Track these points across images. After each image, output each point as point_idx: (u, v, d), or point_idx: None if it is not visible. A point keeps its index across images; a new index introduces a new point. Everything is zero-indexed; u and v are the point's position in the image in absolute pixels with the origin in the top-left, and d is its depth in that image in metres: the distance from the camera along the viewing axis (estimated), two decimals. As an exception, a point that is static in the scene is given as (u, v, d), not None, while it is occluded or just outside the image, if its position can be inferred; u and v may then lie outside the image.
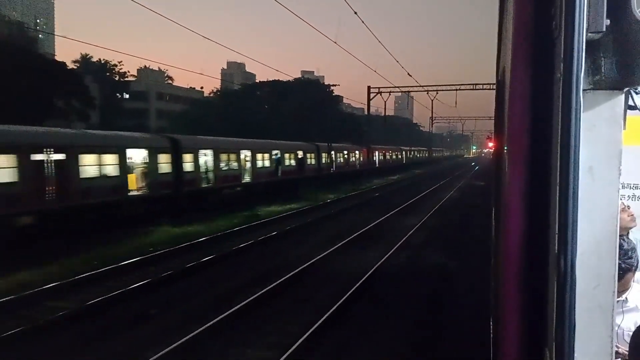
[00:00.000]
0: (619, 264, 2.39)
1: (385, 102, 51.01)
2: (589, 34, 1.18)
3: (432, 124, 72.53)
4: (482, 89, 50.94)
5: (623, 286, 2.53)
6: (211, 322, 8.87)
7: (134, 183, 22.39)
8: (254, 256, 15.05)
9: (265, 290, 10.89)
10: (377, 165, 60.23)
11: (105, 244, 15.83)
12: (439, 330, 8.93)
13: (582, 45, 1.13)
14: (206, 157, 26.49)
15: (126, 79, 75.96)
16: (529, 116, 1.37)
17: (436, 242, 17.06)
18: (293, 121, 58.37)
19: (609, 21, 1.20)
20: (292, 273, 12.30)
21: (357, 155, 55.05)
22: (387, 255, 14.35)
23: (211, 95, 72.02)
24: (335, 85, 61.91)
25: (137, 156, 23.01)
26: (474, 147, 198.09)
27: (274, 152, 34.18)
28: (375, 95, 48.99)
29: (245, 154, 30.20)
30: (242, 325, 9.14)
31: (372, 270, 12.54)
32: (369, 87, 48.70)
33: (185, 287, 11.80)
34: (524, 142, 1.38)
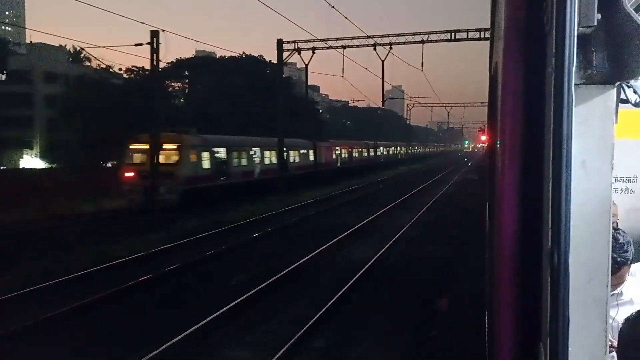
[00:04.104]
0: (615, 257, 2.42)
1: (306, 64, 33.22)
2: (581, 29, 1.18)
3: (385, 99, 38.47)
4: (466, 40, 30.44)
5: (618, 279, 2.55)
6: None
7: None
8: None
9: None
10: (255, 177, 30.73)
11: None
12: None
13: (574, 39, 1.14)
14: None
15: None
16: (521, 111, 1.37)
17: None
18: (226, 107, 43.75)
19: (600, 15, 1.20)
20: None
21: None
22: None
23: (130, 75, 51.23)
24: (287, 65, 45.03)
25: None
26: (467, 142, 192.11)
27: None
28: (291, 54, 31.97)
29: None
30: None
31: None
32: (279, 41, 30.78)
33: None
34: (516, 136, 1.38)
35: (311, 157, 38.97)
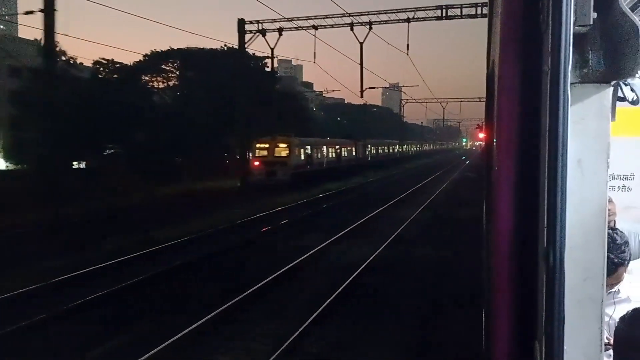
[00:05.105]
0: (612, 258, 2.42)
1: (272, 48, 28.95)
2: (576, 28, 1.18)
3: (364, 89, 33.69)
4: (460, 17, 25.78)
5: (615, 280, 2.54)
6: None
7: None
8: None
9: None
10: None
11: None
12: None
13: (570, 38, 1.13)
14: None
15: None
16: (517, 109, 1.37)
17: None
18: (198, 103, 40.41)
19: (596, 14, 1.20)
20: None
21: None
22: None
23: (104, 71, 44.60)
24: (269, 58, 39.60)
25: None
26: (465, 140, 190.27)
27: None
28: (255, 36, 27.88)
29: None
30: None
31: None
32: (240, 21, 27.58)
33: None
34: (512, 135, 1.38)
35: (353, 153, 49.79)
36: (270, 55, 31.52)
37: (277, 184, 31.63)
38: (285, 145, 34.43)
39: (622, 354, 2.00)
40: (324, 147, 42.61)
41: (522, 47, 1.35)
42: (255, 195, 27.02)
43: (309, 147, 38.66)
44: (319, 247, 14.36)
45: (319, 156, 40.92)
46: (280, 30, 28.37)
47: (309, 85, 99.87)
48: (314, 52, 28.72)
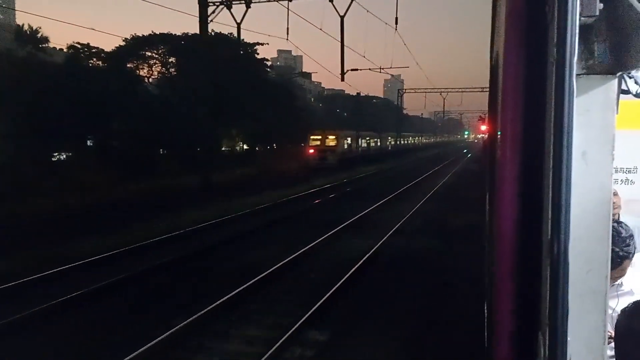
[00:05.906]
0: (617, 251, 2.42)
1: (239, 23, 24.67)
2: (582, 18, 1.17)
3: (345, 70, 28.39)
4: None
5: (619, 273, 2.54)
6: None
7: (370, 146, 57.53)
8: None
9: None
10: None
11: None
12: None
13: (575, 29, 1.13)
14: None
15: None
16: (522, 101, 1.37)
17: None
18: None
19: (602, 5, 1.19)
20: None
21: None
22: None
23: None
24: (260, 45, 40.85)
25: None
26: (467, 133, 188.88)
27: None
28: (219, 9, 24.17)
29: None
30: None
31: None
32: None
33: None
34: (517, 126, 1.38)
35: (378, 143, 61.15)
36: (237, 30, 26.59)
37: (327, 166, 40.12)
38: (333, 137, 44.29)
39: (623, 346, 2.01)
40: (359, 139, 53.45)
41: (527, 38, 1.34)
42: (232, 193, 22.17)
43: (349, 139, 49.27)
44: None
45: (356, 146, 51.68)
46: (247, 2, 24.11)
47: (308, 76, 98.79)
48: (287, 28, 24.55)
